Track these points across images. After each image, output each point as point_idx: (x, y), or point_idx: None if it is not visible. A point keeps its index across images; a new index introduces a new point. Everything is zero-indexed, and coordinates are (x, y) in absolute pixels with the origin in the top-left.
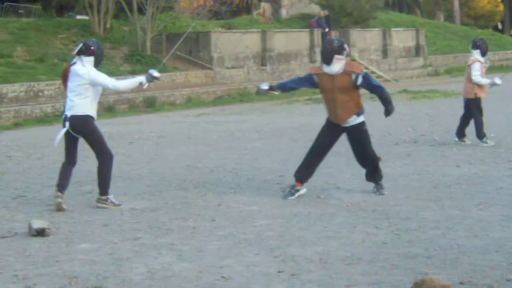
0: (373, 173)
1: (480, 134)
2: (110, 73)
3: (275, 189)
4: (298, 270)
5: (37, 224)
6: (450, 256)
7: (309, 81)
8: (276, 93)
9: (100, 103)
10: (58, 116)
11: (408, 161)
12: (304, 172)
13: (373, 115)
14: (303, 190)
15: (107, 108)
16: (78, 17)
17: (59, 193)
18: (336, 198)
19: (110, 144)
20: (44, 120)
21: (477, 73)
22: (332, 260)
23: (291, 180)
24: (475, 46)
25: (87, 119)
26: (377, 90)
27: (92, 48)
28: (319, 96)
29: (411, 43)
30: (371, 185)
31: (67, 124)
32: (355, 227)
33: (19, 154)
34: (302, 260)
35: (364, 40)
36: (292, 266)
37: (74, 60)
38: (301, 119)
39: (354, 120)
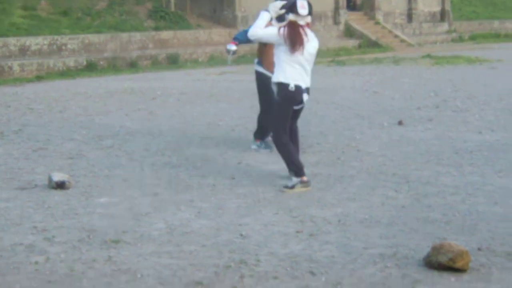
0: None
1: None
2: (134, 29)
3: None
4: (316, 231)
5: (57, 177)
6: (469, 222)
7: None
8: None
9: (123, 59)
10: (80, 70)
11: (430, 126)
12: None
13: (395, 79)
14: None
15: (130, 64)
16: None
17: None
18: (356, 160)
19: (132, 99)
20: (66, 73)
21: None
22: (351, 221)
23: (312, 141)
24: None
25: None
26: None
27: None
28: (342, 58)
29: (436, 8)
30: (392, 148)
31: (306, 97)
32: (374, 190)
33: (41, 107)
34: (320, 221)
35: (389, 4)
36: (310, 226)
37: (301, 22)
38: (323, 81)
39: None
